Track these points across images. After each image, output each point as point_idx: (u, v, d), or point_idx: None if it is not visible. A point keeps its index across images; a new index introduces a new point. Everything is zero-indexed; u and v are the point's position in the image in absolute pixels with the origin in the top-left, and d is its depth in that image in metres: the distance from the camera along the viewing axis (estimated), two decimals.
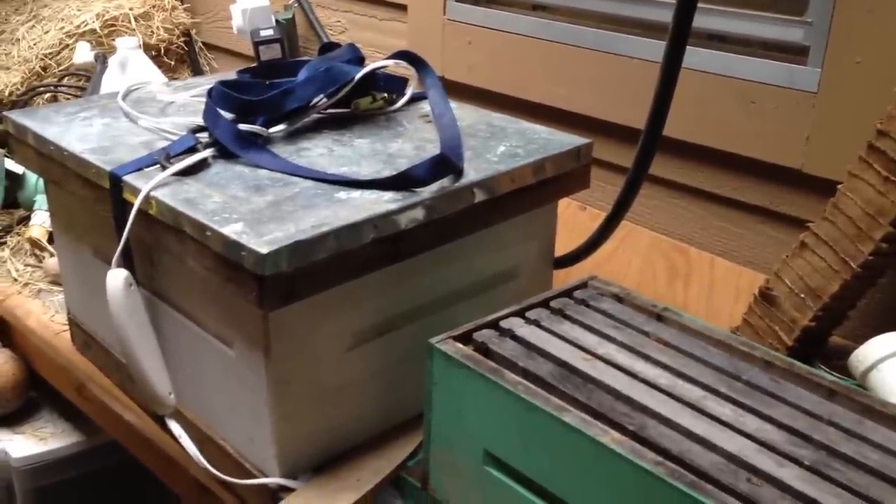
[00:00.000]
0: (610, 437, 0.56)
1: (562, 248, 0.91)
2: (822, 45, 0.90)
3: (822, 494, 0.50)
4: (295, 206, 0.69)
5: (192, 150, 0.78)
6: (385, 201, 0.71)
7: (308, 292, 0.66)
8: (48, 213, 1.24)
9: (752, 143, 0.97)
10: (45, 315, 1.10)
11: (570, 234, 0.96)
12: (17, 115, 0.90)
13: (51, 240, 1.22)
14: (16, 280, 1.19)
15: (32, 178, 1.31)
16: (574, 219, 1.10)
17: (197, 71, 1.70)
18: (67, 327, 1.03)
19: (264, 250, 0.62)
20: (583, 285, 0.76)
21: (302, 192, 0.72)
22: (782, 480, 0.52)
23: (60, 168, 0.83)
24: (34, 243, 1.23)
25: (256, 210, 0.69)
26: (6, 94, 1.47)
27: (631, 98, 1.06)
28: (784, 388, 0.61)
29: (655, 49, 1.03)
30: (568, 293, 0.75)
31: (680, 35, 0.75)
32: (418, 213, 0.71)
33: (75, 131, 0.85)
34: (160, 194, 0.71)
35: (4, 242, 1.29)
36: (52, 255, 1.20)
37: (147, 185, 0.72)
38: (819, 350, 0.84)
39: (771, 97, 0.94)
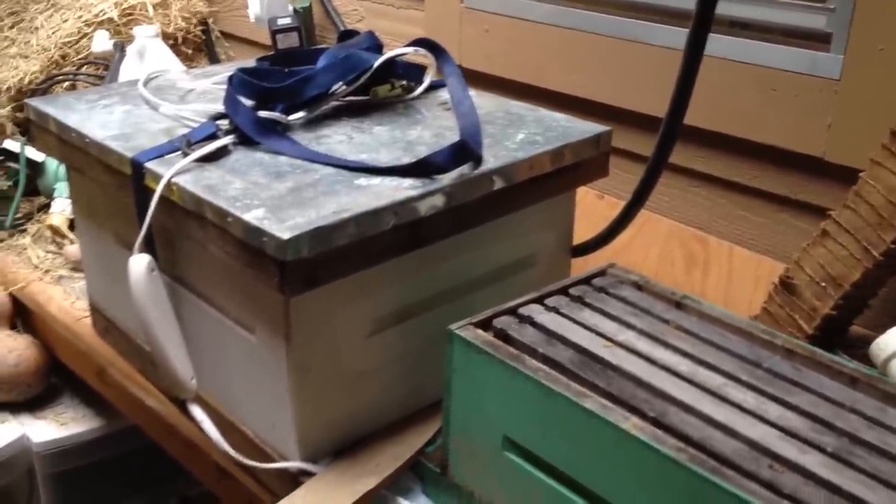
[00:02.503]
0: (631, 423, 0.56)
1: (579, 236, 0.91)
2: (845, 32, 0.89)
3: (845, 481, 0.50)
4: (315, 193, 0.70)
5: (212, 136, 0.78)
6: (405, 188, 0.71)
7: (329, 278, 0.67)
8: (68, 201, 1.25)
9: (773, 130, 0.96)
10: (66, 301, 1.11)
11: (587, 223, 0.96)
12: (38, 103, 0.91)
13: (71, 227, 1.23)
14: (37, 267, 1.20)
15: (52, 165, 1.32)
16: (592, 207, 1.09)
17: (214, 60, 1.70)
18: (88, 313, 1.04)
19: (286, 236, 0.63)
20: (601, 273, 0.76)
21: (322, 179, 0.72)
22: (805, 467, 0.52)
23: (82, 155, 0.84)
24: (55, 231, 1.24)
25: (277, 196, 0.69)
26: (25, 82, 1.48)
27: (649, 85, 1.06)
28: (806, 375, 0.61)
29: (674, 36, 1.03)
30: (587, 281, 0.75)
31: (703, 21, 0.75)
32: (438, 200, 0.71)
33: (96, 118, 0.86)
34: (182, 181, 0.72)
35: (25, 230, 1.30)
36: (72, 242, 1.21)
37: (169, 172, 0.72)
38: (839, 339, 0.84)
39: (792, 84, 0.93)
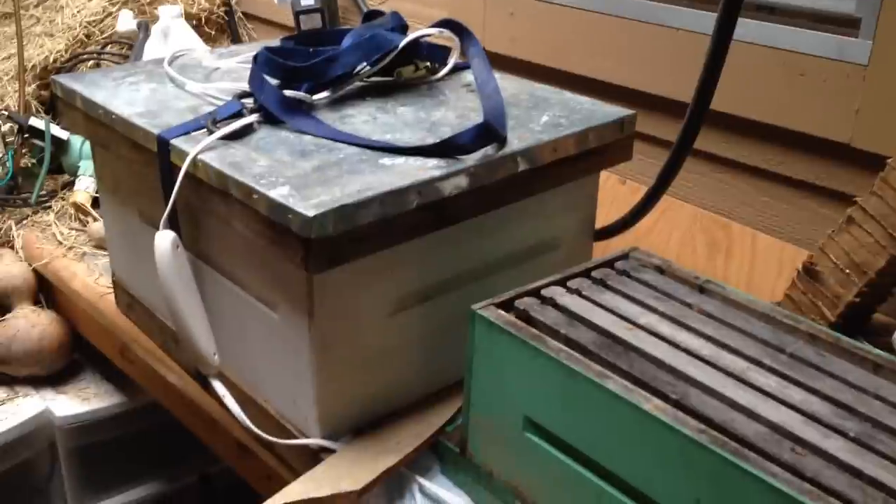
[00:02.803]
0: (652, 405, 0.56)
1: (601, 221, 0.91)
2: (874, 17, 0.88)
3: (867, 465, 0.50)
4: (340, 172, 0.70)
5: (237, 114, 0.79)
6: (429, 168, 0.71)
7: (352, 256, 0.67)
8: (92, 179, 1.26)
9: (800, 116, 0.95)
10: (90, 278, 1.12)
11: (610, 208, 0.96)
12: (65, 79, 0.92)
13: (94, 204, 1.24)
14: (61, 243, 1.21)
15: (76, 143, 1.33)
16: (614, 192, 1.09)
17: (236, 40, 1.71)
18: (111, 290, 1.05)
19: (311, 213, 0.63)
20: (624, 256, 0.76)
21: (346, 158, 0.73)
22: (827, 451, 0.51)
23: (108, 131, 0.84)
24: (78, 208, 1.25)
25: (302, 174, 0.69)
26: (51, 60, 1.49)
27: (675, 69, 1.05)
28: (829, 361, 0.61)
29: (700, 20, 1.02)
30: (609, 264, 0.75)
31: (732, 5, 0.74)
32: (462, 181, 0.71)
33: (123, 95, 0.87)
34: (207, 158, 0.72)
35: (49, 207, 1.31)
36: (95, 219, 1.22)
37: (195, 149, 0.73)
38: (862, 327, 0.83)
39: (820, 70, 0.93)
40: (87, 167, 1.28)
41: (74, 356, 1.28)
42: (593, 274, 0.73)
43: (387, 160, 0.72)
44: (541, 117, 0.82)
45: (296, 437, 0.75)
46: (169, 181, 0.75)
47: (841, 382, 0.58)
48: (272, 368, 0.77)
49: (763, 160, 1.01)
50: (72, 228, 1.25)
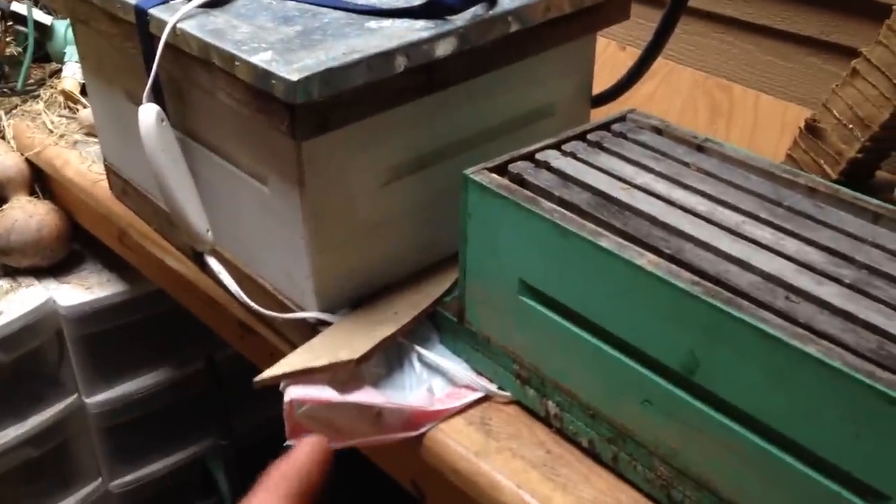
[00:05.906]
0: (646, 260, 0.55)
1: (601, 89, 0.88)
2: None
3: (861, 309, 0.50)
4: (324, 36, 0.67)
5: None
6: (417, 30, 0.68)
7: (340, 122, 0.65)
8: (78, 65, 1.23)
9: None
10: (83, 165, 1.11)
11: (609, 75, 0.92)
12: None
13: (83, 92, 1.21)
14: (51, 132, 1.19)
15: (61, 28, 1.29)
16: (613, 59, 1.06)
17: None
18: (104, 176, 1.04)
19: (294, 77, 0.61)
20: (621, 119, 0.74)
21: (331, 23, 0.70)
22: (821, 298, 0.51)
23: (87, 6, 0.82)
24: (67, 96, 1.23)
25: (285, 40, 0.67)
26: None
27: None
28: (827, 212, 0.60)
29: None
30: (606, 126, 0.73)
31: None
32: (451, 43, 0.69)
33: None
34: (187, 26, 0.69)
35: (38, 95, 1.28)
36: (85, 106, 1.20)
37: (173, 18, 0.70)
38: (865, 184, 0.82)
39: None
40: (72, 53, 1.25)
41: (74, 247, 1.28)
42: (589, 137, 0.71)
43: (373, 23, 0.70)
44: None
45: (294, 312, 0.75)
46: (150, 53, 0.73)
47: (838, 232, 0.57)
48: (266, 244, 0.76)
49: (765, 17, 0.97)
50: (62, 116, 1.22)
